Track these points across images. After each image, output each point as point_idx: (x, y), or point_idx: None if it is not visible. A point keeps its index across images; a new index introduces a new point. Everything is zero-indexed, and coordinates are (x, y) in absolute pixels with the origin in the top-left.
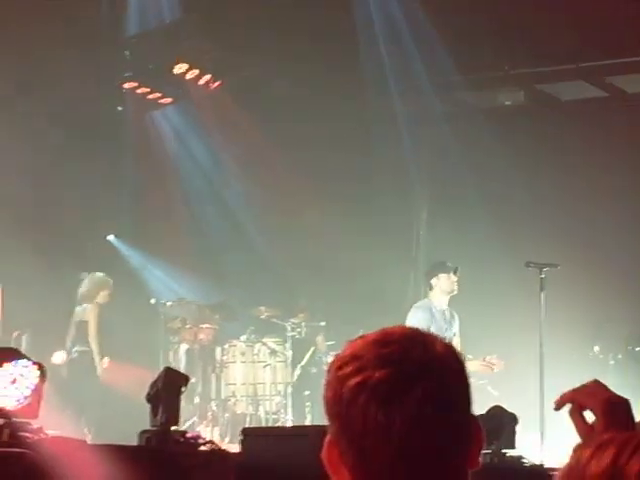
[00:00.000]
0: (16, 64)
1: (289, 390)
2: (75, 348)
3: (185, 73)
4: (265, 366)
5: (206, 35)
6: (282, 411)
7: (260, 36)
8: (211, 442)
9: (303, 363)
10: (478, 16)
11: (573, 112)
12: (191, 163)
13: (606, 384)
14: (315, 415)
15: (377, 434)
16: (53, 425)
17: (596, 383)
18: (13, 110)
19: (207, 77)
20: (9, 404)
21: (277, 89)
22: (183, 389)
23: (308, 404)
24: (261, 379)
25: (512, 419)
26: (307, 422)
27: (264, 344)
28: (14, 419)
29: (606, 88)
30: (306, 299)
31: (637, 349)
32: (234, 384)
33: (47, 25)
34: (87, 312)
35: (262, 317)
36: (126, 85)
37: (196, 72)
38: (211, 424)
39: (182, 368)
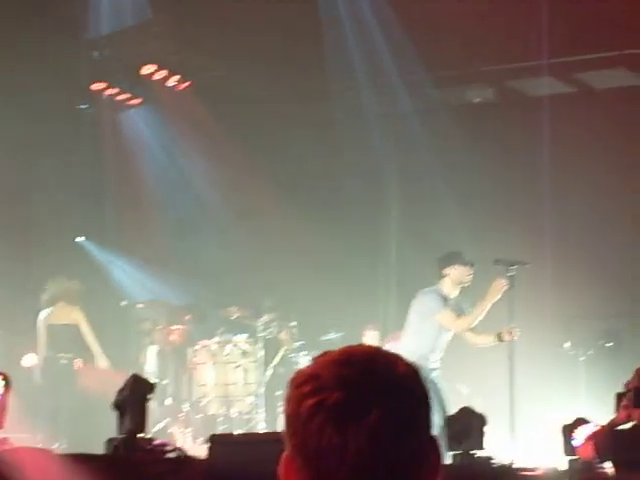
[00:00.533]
0: None
1: (261, 390)
2: (60, 354)
3: (153, 74)
4: (237, 367)
5: (174, 36)
6: (254, 411)
7: (228, 37)
8: (179, 449)
9: (274, 363)
10: (447, 13)
11: (541, 108)
12: (161, 164)
13: (577, 380)
14: None
15: (332, 455)
16: (25, 431)
17: None
18: None
19: (176, 78)
20: None
21: (245, 90)
22: (149, 396)
23: (280, 404)
24: (233, 380)
25: (480, 420)
26: (280, 422)
27: (235, 345)
28: None
29: (574, 84)
30: (272, 299)
31: (608, 345)
32: (206, 385)
33: (12, 25)
34: (72, 315)
35: (233, 318)
36: (94, 86)
37: (164, 73)
38: (183, 426)
39: (153, 369)
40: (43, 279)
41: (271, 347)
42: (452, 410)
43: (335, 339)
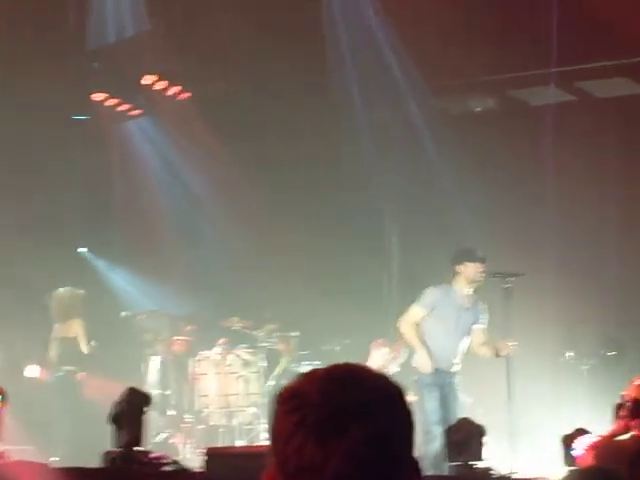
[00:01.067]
0: None
1: (263, 401)
2: (64, 367)
3: (153, 84)
4: (238, 377)
5: (174, 46)
6: (256, 422)
7: (229, 48)
8: (176, 462)
9: (276, 374)
10: (448, 23)
11: (543, 117)
12: (162, 175)
13: (580, 389)
14: None
15: (312, 472)
16: (24, 443)
17: None
18: None
19: (176, 89)
20: None
21: (246, 101)
22: (146, 408)
23: None
24: (234, 390)
25: (479, 431)
26: None
27: (237, 355)
28: None
29: (575, 93)
30: (274, 310)
31: (610, 354)
32: (207, 396)
33: (14, 37)
34: (73, 328)
35: (234, 328)
36: (95, 96)
37: (164, 84)
38: (185, 437)
39: (155, 380)
40: (45, 290)
41: (273, 358)
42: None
43: (338, 349)
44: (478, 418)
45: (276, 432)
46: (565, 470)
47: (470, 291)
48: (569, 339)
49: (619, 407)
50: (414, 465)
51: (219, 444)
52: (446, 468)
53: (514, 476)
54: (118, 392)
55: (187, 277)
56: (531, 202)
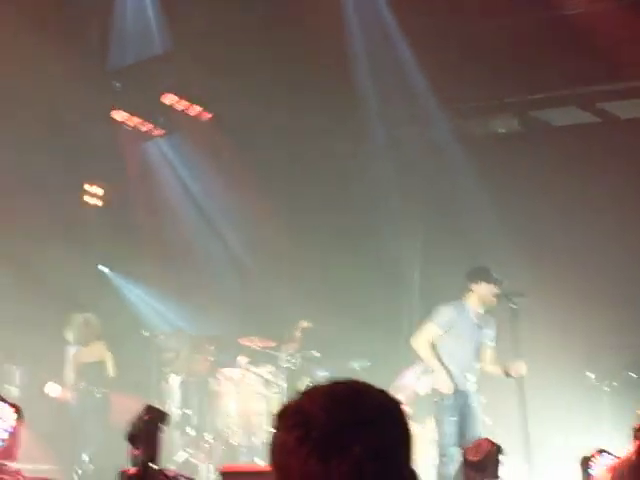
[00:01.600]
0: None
1: None
2: (93, 389)
3: (175, 104)
4: (260, 396)
5: (196, 67)
6: None
7: (251, 69)
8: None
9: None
10: (470, 45)
11: (566, 138)
12: (184, 194)
13: (601, 411)
14: None
15: None
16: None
17: None
18: None
19: (198, 109)
20: None
21: (269, 123)
22: (163, 426)
23: None
24: (256, 410)
25: (497, 450)
26: None
27: (258, 375)
28: None
29: (598, 114)
30: (299, 329)
31: (633, 375)
32: (229, 415)
33: (35, 56)
34: (101, 352)
35: (256, 348)
36: (116, 116)
37: (186, 104)
38: (207, 456)
39: (177, 400)
40: (64, 310)
41: (294, 377)
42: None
43: (359, 369)
44: (496, 438)
45: (278, 447)
46: None
47: (482, 309)
48: (591, 360)
49: (638, 428)
50: (413, 476)
51: (240, 463)
52: None
53: None
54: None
55: (208, 297)
56: (555, 223)
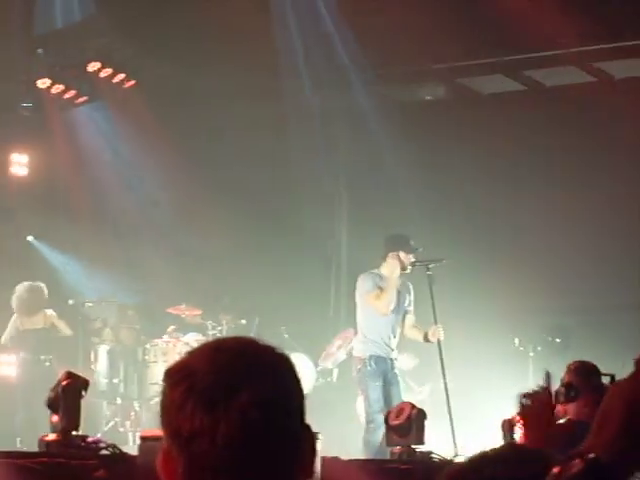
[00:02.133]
0: None
1: None
2: (42, 356)
3: (99, 71)
4: None
5: (119, 33)
6: None
7: (174, 35)
8: (113, 446)
9: None
10: (398, 11)
11: (493, 106)
12: (110, 163)
13: (527, 375)
14: None
15: (203, 437)
16: None
17: None
18: None
19: (121, 76)
20: None
21: (193, 89)
22: (84, 393)
23: None
24: None
25: (420, 415)
26: None
27: (186, 343)
28: None
29: (525, 82)
30: (226, 298)
31: (557, 341)
32: (156, 384)
33: None
34: (47, 319)
35: (183, 316)
36: (39, 83)
37: (109, 71)
38: (134, 424)
39: (104, 369)
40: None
41: None
42: None
43: (287, 336)
44: (420, 403)
45: (167, 403)
46: None
47: (399, 276)
48: (516, 327)
49: (559, 392)
50: (307, 432)
51: None
52: (387, 453)
53: (456, 459)
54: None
55: (135, 266)
56: (480, 190)
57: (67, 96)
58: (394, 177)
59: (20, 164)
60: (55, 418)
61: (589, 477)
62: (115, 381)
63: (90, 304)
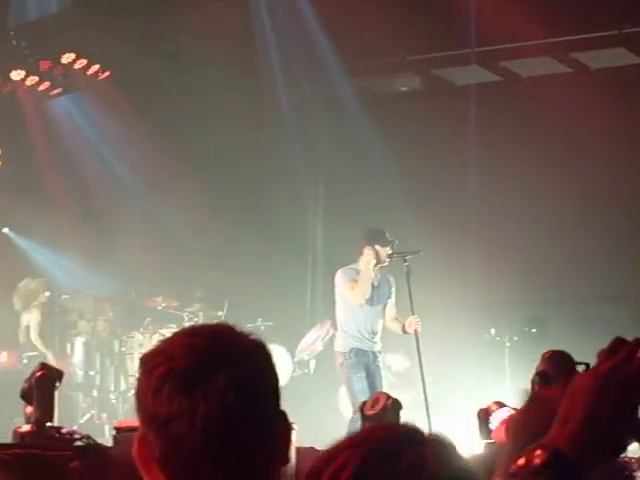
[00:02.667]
0: None
1: None
2: (25, 354)
3: (73, 63)
4: None
5: (94, 25)
6: None
7: (147, 27)
8: (87, 437)
9: None
10: (373, 4)
11: (468, 97)
12: (85, 152)
13: (503, 365)
14: None
15: (182, 419)
16: None
17: None
18: None
19: (95, 67)
20: None
21: (168, 83)
22: (57, 384)
23: None
24: None
25: (395, 405)
26: None
27: (163, 335)
28: None
29: (500, 72)
30: (202, 289)
31: (533, 330)
32: (133, 376)
33: None
34: (30, 316)
35: (159, 308)
36: (14, 75)
37: (84, 62)
38: (110, 417)
39: (80, 361)
40: None
41: None
42: None
43: (263, 328)
44: (399, 395)
45: (142, 389)
46: (482, 443)
47: (376, 270)
48: (492, 317)
49: (533, 380)
50: (283, 417)
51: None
52: None
53: None
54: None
55: (111, 258)
56: (455, 181)
57: (42, 88)
58: (371, 168)
59: None
60: (29, 409)
61: (552, 469)
62: (91, 373)
63: (66, 296)
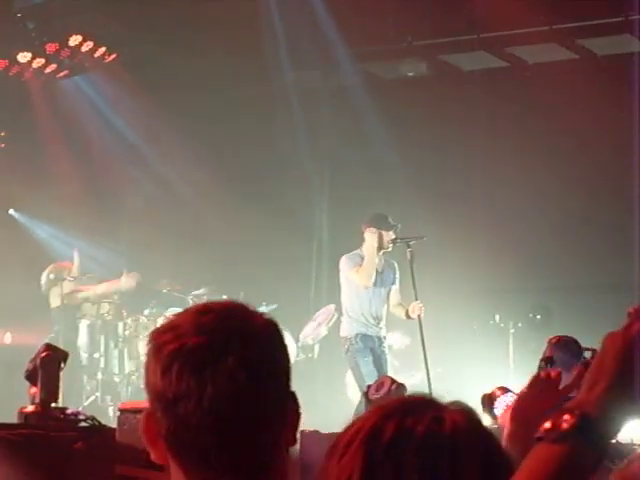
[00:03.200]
0: None
1: None
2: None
3: (80, 45)
4: None
5: (101, 8)
6: None
7: (155, 10)
8: (92, 418)
9: None
10: None
11: (474, 82)
12: (93, 134)
13: (507, 351)
14: None
15: (189, 399)
16: None
17: None
18: None
19: (102, 50)
20: None
21: (174, 66)
22: (63, 365)
23: None
24: None
25: (400, 389)
26: None
27: (167, 318)
28: None
29: (506, 58)
30: (207, 274)
31: (537, 317)
32: (137, 358)
33: None
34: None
35: (164, 291)
36: (20, 57)
37: (91, 44)
38: (115, 399)
39: (84, 344)
40: None
41: None
42: None
43: (268, 312)
44: (400, 378)
45: (152, 366)
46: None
47: (380, 255)
48: (497, 303)
49: (539, 366)
50: (293, 398)
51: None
52: None
53: None
54: None
55: (117, 240)
56: (462, 168)
57: (48, 70)
58: (376, 154)
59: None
60: (33, 390)
61: (581, 432)
62: (96, 356)
63: (71, 278)
